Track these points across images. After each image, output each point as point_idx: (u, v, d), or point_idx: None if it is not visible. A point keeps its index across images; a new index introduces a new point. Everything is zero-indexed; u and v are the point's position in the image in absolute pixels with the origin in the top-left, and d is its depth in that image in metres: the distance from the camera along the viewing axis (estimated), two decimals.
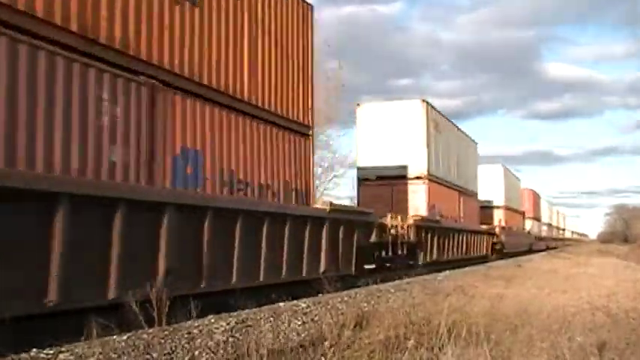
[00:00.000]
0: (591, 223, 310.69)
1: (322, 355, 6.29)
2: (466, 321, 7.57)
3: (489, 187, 35.86)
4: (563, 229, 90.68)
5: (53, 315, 6.76)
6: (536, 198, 57.51)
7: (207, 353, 6.18)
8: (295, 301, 9.82)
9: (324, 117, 28.62)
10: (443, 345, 6.58)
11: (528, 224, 49.92)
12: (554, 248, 64.67)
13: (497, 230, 34.31)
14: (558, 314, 8.94)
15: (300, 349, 6.35)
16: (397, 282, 14.91)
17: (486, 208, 35.39)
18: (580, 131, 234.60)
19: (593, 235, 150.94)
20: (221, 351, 6.23)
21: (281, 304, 9.40)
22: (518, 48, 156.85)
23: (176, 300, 7.15)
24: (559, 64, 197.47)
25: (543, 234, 60.68)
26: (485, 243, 30.36)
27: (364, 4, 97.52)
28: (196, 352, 6.15)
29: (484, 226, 31.26)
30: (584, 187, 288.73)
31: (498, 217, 37.36)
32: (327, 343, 6.59)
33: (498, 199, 37.75)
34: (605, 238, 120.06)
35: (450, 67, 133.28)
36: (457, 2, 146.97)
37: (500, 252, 33.74)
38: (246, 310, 8.53)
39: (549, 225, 67.49)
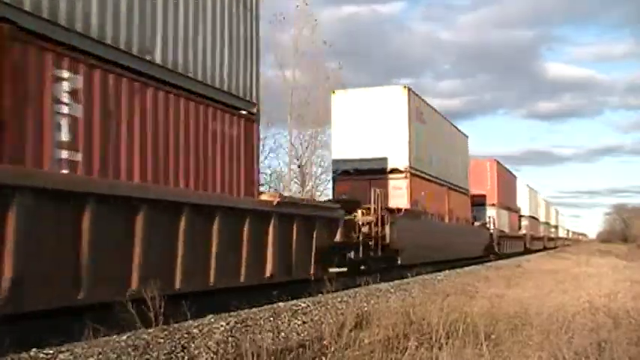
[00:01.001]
0: (591, 222, 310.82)
1: (322, 355, 6.29)
2: (466, 321, 7.57)
3: (379, 133, 20.17)
4: (556, 227, 76.50)
5: (53, 315, 6.76)
6: (505, 177, 39.88)
7: (207, 353, 6.18)
8: (295, 301, 9.81)
9: (323, 117, 28.69)
10: (442, 345, 6.58)
11: (490, 213, 33.24)
12: (543, 250, 53.09)
13: (359, 216, 16.13)
14: (558, 314, 8.93)
15: (300, 349, 6.35)
16: (397, 282, 14.91)
17: (356, 175, 19.77)
18: (580, 131, 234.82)
19: (592, 235, 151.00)
20: (221, 351, 6.23)
21: (281, 303, 9.39)
22: (519, 48, 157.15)
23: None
24: (559, 64, 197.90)
25: (523, 231, 45.64)
26: (304, 245, 12.26)
27: (364, 4, 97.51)
28: (196, 352, 6.15)
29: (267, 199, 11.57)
30: (584, 187, 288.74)
31: (386, 190, 18.95)
32: (326, 343, 6.59)
33: (396, 156, 19.94)
34: (605, 238, 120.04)
35: (450, 67, 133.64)
36: (457, 2, 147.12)
37: (380, 263, 16.69)
38: (246, 310, 8.52)
39: (533, 219, 51.13)
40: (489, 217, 32.89)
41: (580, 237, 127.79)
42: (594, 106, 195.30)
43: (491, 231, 32.23)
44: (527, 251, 43.48)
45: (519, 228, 44.56)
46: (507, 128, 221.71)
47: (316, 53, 32.62)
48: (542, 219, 59.77)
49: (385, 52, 70.98)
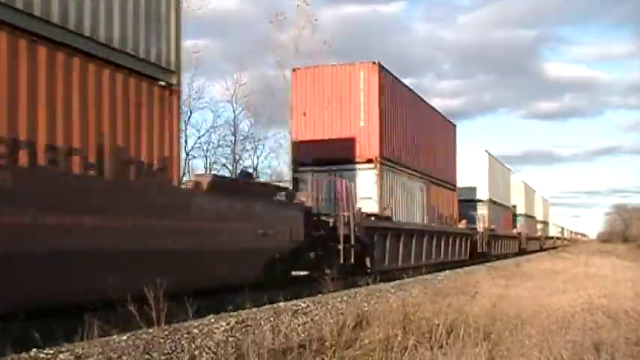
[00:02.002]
0: (591, 223, 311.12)
1: (323, 355, 6.30)
2: (466, 321, 7.59)
3: None
4: (544, 222, 60.16)
5: (53, 314, 6.77)
6: (409, 109, 19.87)
7: (207, 353, 6.19)
8: (295, 301, 9.82)
9: None
10: (442, 345, 6.59)
11: (366, 179, 16.75)
12: (519, 254, 36.95)
13: None
14: (558, 314, 8.95)
15: (301, 349, 6.36)
16: (397, 282, 14.92)
17: None
18: (580, 131, 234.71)
19: (592, 235, 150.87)
20: (221, 351, 6.24)
21: (281, 303, 9.40)
22: (519, 48, 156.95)
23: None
24: (560, 64, 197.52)
25: (478, 225, 28.67)
26: None
27: (365, 4, 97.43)
28: (196, 352, 6.16)
29: None
30: (584, 187, 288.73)
31: None
32: (327, 343, 6.60)
33: None
34: (605, 238, 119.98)
35: (451, 67, 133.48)
36: (458, 2, 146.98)
37: None
38: (246, 310, 8.53)
39: (496, 206, 33.20)
40: (340, 184, 14.93)
41: (579, 237, 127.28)
42: (595, 106, 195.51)
43: (335, 217, 14.23)
44: (476, 258, 26.43)
45: (460, 219, 26.13)
46: (507, 128, 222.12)
47: (317, 53, 32.42)
48: (520, 210, 43.44)
49: (386, 51, 70.95)
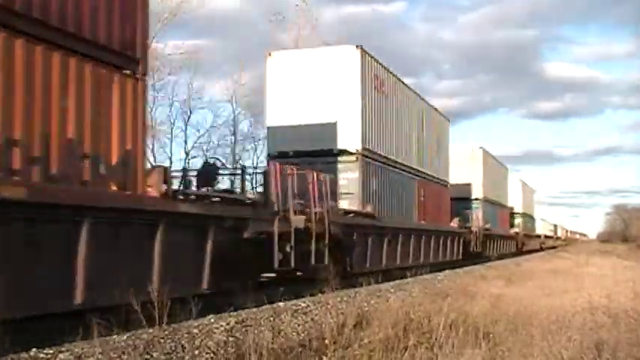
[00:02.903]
0: (591, 223, 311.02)
1: (323, 354, 6.30)
2: (466, 321, 7.58)
3: None
4: (525, 215, 45.90)
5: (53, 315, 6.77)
6: None
7: (207, 353, 6.18)
8: (295, 301, 9.81)
9: None
10: (442, 345, 6.59)
11: None
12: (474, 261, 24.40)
13: None
14: (558, 314, 8.94)
15: (301, 349, 6.36)
16: (397, 282, 14.91)
17: None
18: (580, 131, 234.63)
19: (592, 235, 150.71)
20: (221, 351, 6.23)
21: (281, 303, 9.39)
22: (519, 48, 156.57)
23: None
24: (560, 64, 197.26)
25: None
26: None
27: (365, 4, 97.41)
28: (196, 352, 6.15)
29: None
30: (585, 187, 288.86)
31: None
32: (327, 343, 6.59)
33: None
34: (605, 238, 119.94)
35: (450, 67, 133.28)
36: (458, 2, 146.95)
37: None
38: (246, 310, 8.53)
39: (380, 164, 17.20)
40: None
41: (578, 237, 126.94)
42: (595, 106, 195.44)
43: None
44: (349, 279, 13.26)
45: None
46: (507, 128, 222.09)
47: None
48: (476, 193, 30.15)
49: (385, 51, 70.91)
